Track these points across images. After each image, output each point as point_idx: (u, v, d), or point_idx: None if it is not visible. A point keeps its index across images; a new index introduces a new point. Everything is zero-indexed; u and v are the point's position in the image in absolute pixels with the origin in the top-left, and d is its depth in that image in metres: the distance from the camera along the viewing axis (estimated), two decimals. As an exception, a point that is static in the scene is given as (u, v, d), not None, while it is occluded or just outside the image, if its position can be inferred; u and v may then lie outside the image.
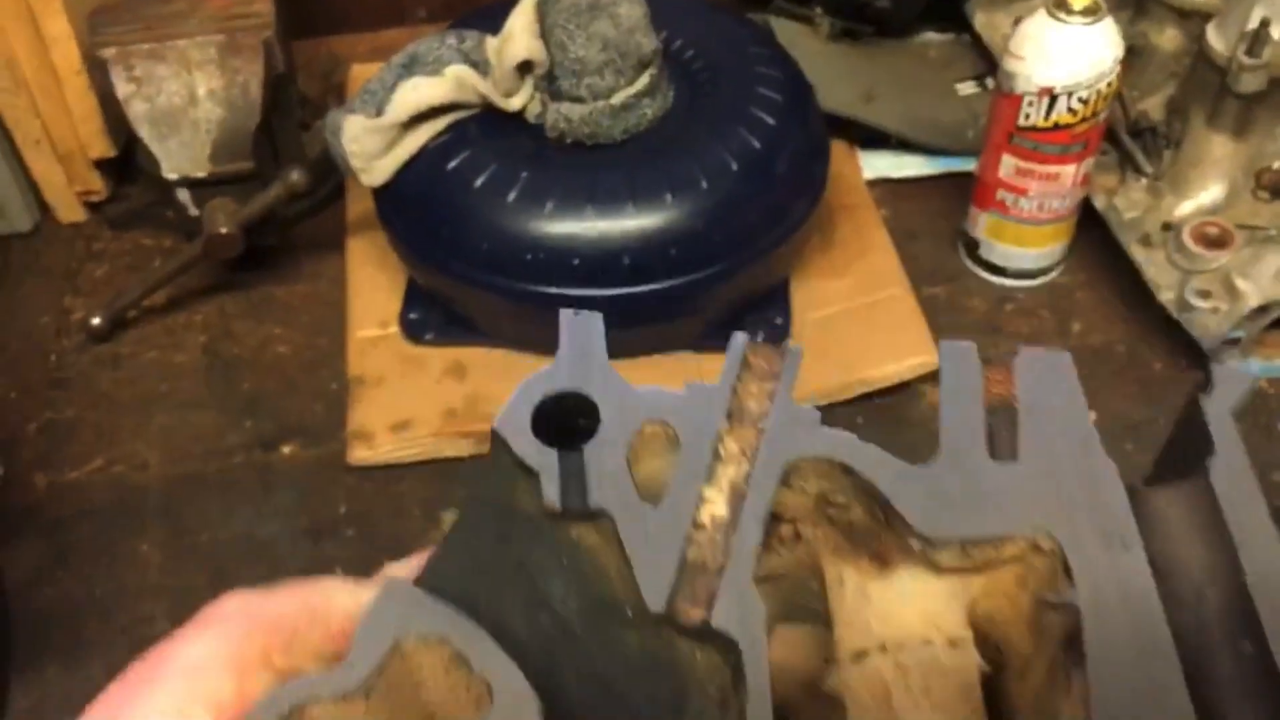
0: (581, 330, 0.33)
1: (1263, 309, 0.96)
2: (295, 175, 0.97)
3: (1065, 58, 0.95)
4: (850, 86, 1.19)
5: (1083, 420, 0.32)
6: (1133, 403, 1.00)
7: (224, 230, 0.97)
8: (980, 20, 1.25)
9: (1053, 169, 1.00)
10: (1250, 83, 0.99)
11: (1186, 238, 1.00)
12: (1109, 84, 0.96)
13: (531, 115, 0.97)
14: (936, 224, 1.17)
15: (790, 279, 1.06)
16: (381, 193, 0.98)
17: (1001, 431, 0.32)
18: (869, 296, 1.05)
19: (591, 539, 0.31)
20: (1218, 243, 1.00)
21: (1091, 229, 1.10)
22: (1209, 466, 0.31)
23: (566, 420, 0.32)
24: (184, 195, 0.99)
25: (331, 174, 1.09)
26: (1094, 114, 0.97)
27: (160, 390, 1.03)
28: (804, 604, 0.36)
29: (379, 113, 0.94)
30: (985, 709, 0.31)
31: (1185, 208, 1.03)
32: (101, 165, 1.14)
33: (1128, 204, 1.06)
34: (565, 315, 0.34)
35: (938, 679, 0.30)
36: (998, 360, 0.34)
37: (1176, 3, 1.09)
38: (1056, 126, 0.97)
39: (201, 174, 0.98)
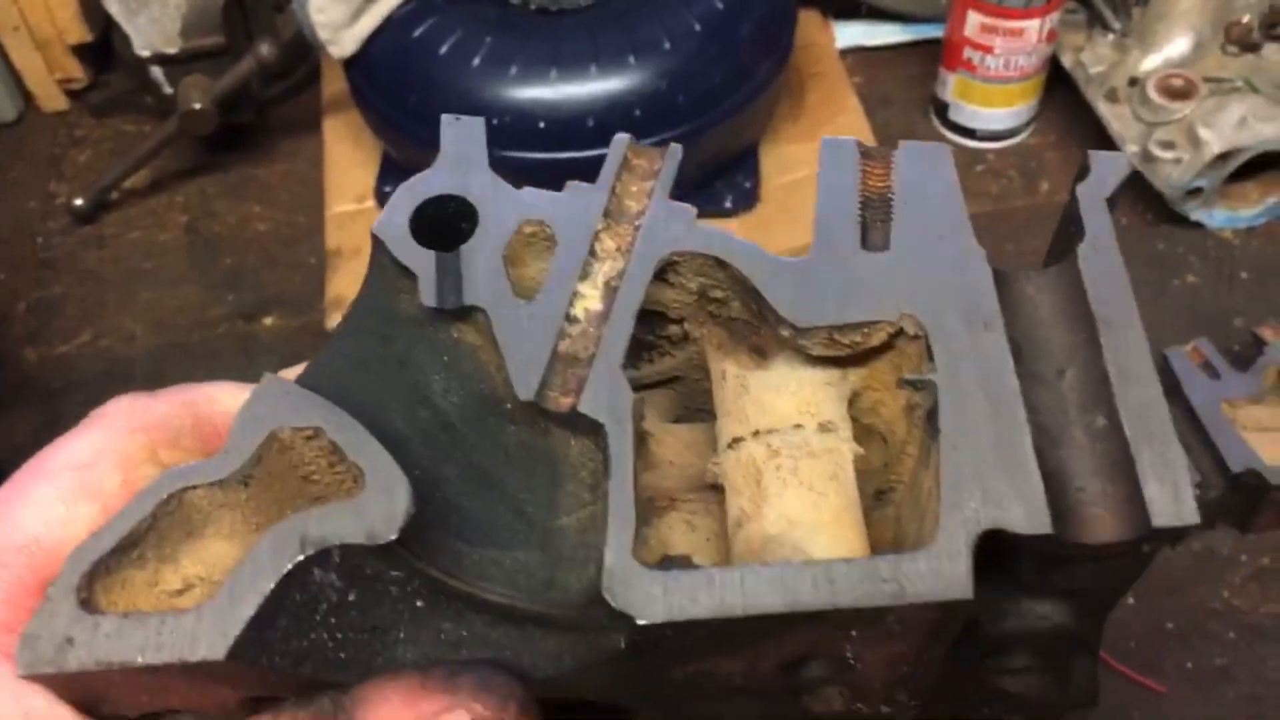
0: (462, 135, 0.33)
1: (1224, 157, 0.96)
2: (265, 48, 0.98)
3: (1026, -92, 0.95)
4: (821, -46, 1.19)
5: (956, 210, 0.32)
6: (1098, 256, 1.01)
7: (198, 106, 0.98)
8: (954, -115, 1.24)
9: (1017, 24, 1.00)
10: (1216, -68, 0.99)
11: (1151, 90, 1.01)
12: (1071, -66, 0.96)
13: (496, -18, 0.98)
14: (909, 90, 1.17)
15: (760, 144, 1.07)
16: (352, 65, 0.99)
17: (877, 223, 0.32)
18: (837, 159, 1.06)
19: (472, 337, 0.31)
20: (1182, 94, 1.00)
21: (1061, 91, 1.11)
22: (1077, 251, 0.31)
23: (448, 224, 0.32)
24: (157, 73, 1.01)
25: (307, 55, 1.10)
26: (1057, -34, 0.97)
27: (144, 267, 1.05)
28: (700, 405, 0.36)
29: (344, -18, 0.95)
30: (870, 493, 0.32)
31: (1151, 61, 1.04)
32: (81, 52, 1.15)
33: (1094, 59, 1.06)
34: (445, 120, 0.33)
35: (807, 460, 0.31)
36: (877, 154, 0.33)
37: None
38: (1019, -20, 0.98)
39: (173, 50, 0.99)
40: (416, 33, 0.95)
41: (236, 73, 0.99)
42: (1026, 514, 0.26)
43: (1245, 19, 1.05)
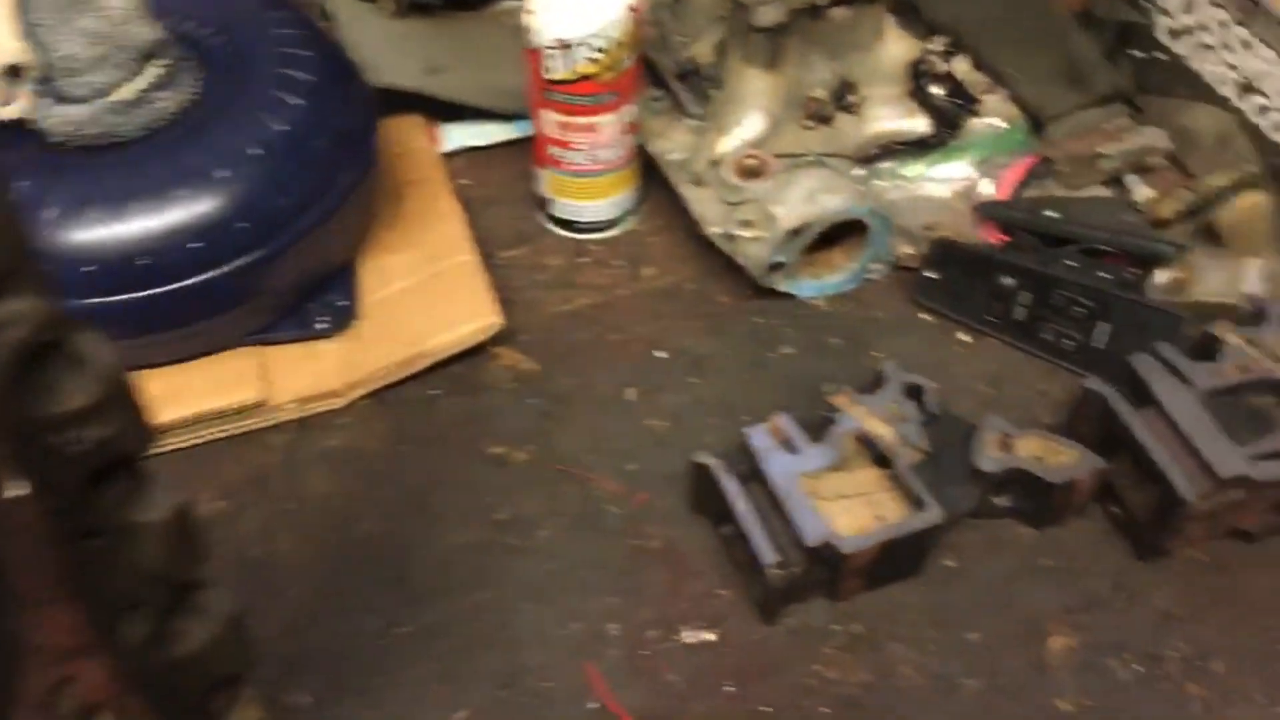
0: None
1: (797, 231, 0.99)
2: None
3: (572, 9, 0.96)
4: (414, 60, 1.18)
5: None
6: (700, 337, 1.02)
7: None
8: (547, -18, 1.26)
9: (589, 120, 1.01)
10: (768, 15, 1.02)
11: (727, 171, 1.03)
12: (625, 32, 0.98)
13: (36, 122, 0.92)
14: (517, 187, 1.17)
15: (357, 259, 1.05)
16: (-119, 222, 0.91)
17: None
18: (435, 266, 1.04)
19: None
20: (755, 173, 1.03)
21: (661, 178, 1.13)
22: None
23: None
24: None
25: None
26: (616, 64, 0.99)
27: None
28: None
29: None
30: None
31: (728, 143, 1.06)
32: None
33: (675, 146, 1.08)
34: None
35: None
36: None
37: (707, -53, 1.12)
38: (582, 78, 0.99)
39: None
40: (-58, 183, 0.88)
41: None
42: None
43: (818, 93, 1.09)
